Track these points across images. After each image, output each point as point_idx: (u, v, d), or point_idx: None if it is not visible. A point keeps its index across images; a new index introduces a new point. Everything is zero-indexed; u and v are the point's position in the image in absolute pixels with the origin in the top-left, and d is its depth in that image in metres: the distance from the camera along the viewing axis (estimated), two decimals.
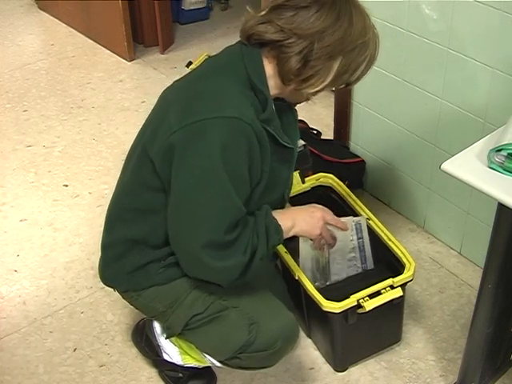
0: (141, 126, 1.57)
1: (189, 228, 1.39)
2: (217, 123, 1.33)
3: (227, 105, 1.35)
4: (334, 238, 1.68)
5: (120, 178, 1.62)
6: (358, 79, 1.45)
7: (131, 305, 1.69)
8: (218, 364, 1.61)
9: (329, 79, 1.39)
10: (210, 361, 1.63)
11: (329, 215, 1.62)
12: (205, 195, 1.36)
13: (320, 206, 1.63)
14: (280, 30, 1.35)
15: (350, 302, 1.66)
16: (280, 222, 1.48)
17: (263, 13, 1.38)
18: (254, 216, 1.46)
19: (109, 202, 1.64)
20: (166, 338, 1.67)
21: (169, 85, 1.55)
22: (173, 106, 1.42)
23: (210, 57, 1.52)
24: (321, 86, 1.40)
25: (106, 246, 1.63)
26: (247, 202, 1.44)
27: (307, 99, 1.51)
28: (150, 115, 1.54)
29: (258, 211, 1.48)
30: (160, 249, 1.52)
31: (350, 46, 1.37)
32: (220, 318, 1.52)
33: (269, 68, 1.41)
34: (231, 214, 1.38)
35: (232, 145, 1.34)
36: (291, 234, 1.54)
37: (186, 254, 1.43)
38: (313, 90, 1.41)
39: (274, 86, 1.43)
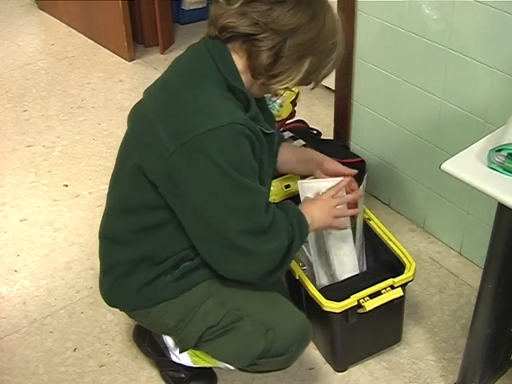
0: (121, 144, 1.54)
1: (226, 230, 1.38)
2: (213, 134, 1.32)
3: (217, 113, 1.34)
4: (353, 206, 1.68)
5: (110, 197, 1.59)
6: (322, 79, 1.46)
7: (140, 323, 1.67)
8: (233, 368, 1.61)
9: (298, 77, 1.39)
10: (225, 366, 1.61)
11: (335, 200, 1.62)
12: (230, 199, 1.35)
13: (324, 197, 1.63)
14: (255, 23, 1.33)
15: (351, 301, 1.66)
16: None
17: (236, 5, 1.35)
18: (281, 209, 1.47)
19: None
20: (180, 353, 1.63)
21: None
22: (159, 122, 1.38)
23: (176, 59, 1.50)
24: (289, 84, 1.40)
25: (108, 268, 1.60)
26: None
27: (275, 94, 1.51)
28: (130, 134, 1.51)
29: (285, 205, 1.50)
30: (163, 263, 1.50)
31: (321, 47, 1.37)
32: (235, 329, 1.51)
33: (239, 63, 1.39)
34: (260, 199, 1.40)
35: (234, 150, 1.34)
36: (311, 230, 1.57)
37: (230, 251, 1.40)
38: (281, 87, 1.41)
39: (244, 81, 1.41)
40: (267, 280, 1.46)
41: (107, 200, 1.62)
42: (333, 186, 1.65)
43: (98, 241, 1.64)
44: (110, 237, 1.59)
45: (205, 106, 1.36)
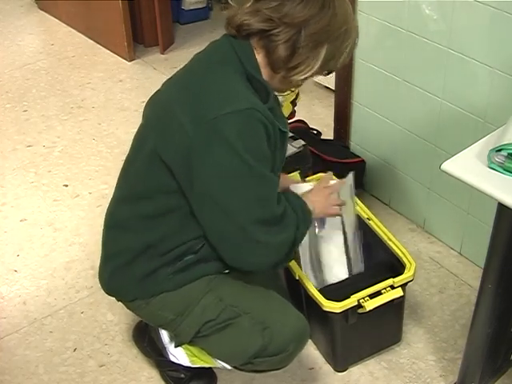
0: (137, 132, 1.55)
1: (238, 217, 1.38)
2: (231, 118, 1.34)
3: (237, 97, 1.36)
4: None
5: (121, 185, 1.59)
6: (341, 64, 1.49)
7: (137, 315, 1.67)
8: (230, 367, 1.61)
9: (316, 66, 1.41)
10: (221, 364, 1.62)
11: (327, 189, 1.67)
12: (244, 185, 1.37)
13: (317, 187, 1.69)
14: (269, 19, 1.37)
15: (351, 301, 1.66)
16: None
17: (248, 5, 1.40)
18: (284, 197, 1.49)
19: (108, 201, 1.63)
20: (176, 347, 1.63)
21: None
22: (179, 107, 1.40)
23: (197, 53, 1.52)
24: (309, 73, 1.42)
25: (110, 255, 1.60)
26: None
27: (297, 86, 1.54)
28: (147, 122, 1.53)
29: (287, 195, 1.51)
30: (167, 254, 1.51)
31: (335, 34, 1.40)
32: (233, 325, 1.51)
33: (259, 58, 1.42)
34: (273, 188, 1.42)
35: (250, 133, 1.35)
36: (313, 217, 1.59)
37: (240, 240, 1.41)
38: (301, 77, 1.43)
39: (264, 75, 1.44)
40: (271, 270, 1.48)
41: (116, 189, 1.62)
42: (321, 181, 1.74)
43: (97, 241, 1.64)
44: (115, 224, 1.59)
45: (224, 90, 1.38)
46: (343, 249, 1.81)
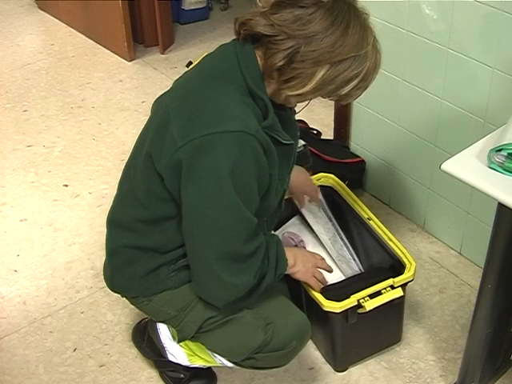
0: (140, 132, 1.55)
1: (203, 241, 1.39)
2: (221, 138, 1.31)
3: (230, 117, 1.33)
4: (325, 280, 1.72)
5: (123, 184, 1.60)
6: (349, 95, 1.38)
7: (140, 310, 1.67)
8: (230, 364, 1.61)
9: (310, 85, 1.33)
10: (221, 361, 1.62)
11: (320, 262, 1.68)
12: (214, 210, 1.35)
13: (316, 254, 1.70)
14: (270, 25, 1.31)
15: (351, 301, 1.66)
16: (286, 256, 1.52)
17: (266, 8, 1.35)
18: (266, 241, 1.46)
19: (108, 201, 1.63)
20: (179, 342, 1.64)
21: (167, 89, 1.53)
22: (174, 117, 1.39)
23: (207, 55, 1.50)
24: (300, 91, 1.34)
25: (112, 252, 1.61)
26: (264, 201, 1.44)
27: (287, 102, 1.44)
28: (149, 123, 1.52)
29: (269, 238, 1.49)
30: (168, 253, 1.51)
31: (339, 57, 1.30)
32: (235, 320, 1.52)
33: (260, 65, 1.38)
34: (244, 227, 1.38)
35: (238, 159, 1.32)
36: (289, 271, 1.58)
37: (200, 266, 1.42)
38: (292, 93, 1.36)
39: (266, 86, 1.41)
40: (232, 307, 1.47)
41: (119, 187, 1.62)
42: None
43: (97, 241, 1.64)
44: (117, 223, 1.59)
45: (220, 109, 1.35)
46: (329, 258, 1.84)
